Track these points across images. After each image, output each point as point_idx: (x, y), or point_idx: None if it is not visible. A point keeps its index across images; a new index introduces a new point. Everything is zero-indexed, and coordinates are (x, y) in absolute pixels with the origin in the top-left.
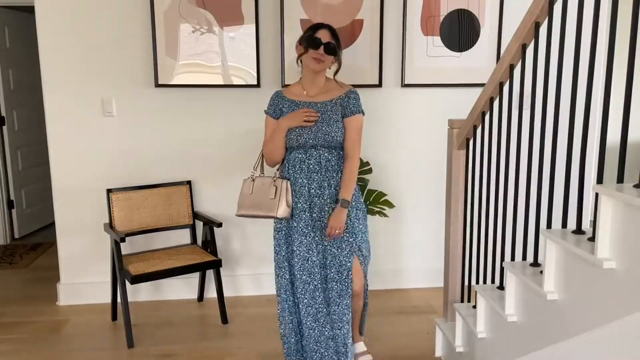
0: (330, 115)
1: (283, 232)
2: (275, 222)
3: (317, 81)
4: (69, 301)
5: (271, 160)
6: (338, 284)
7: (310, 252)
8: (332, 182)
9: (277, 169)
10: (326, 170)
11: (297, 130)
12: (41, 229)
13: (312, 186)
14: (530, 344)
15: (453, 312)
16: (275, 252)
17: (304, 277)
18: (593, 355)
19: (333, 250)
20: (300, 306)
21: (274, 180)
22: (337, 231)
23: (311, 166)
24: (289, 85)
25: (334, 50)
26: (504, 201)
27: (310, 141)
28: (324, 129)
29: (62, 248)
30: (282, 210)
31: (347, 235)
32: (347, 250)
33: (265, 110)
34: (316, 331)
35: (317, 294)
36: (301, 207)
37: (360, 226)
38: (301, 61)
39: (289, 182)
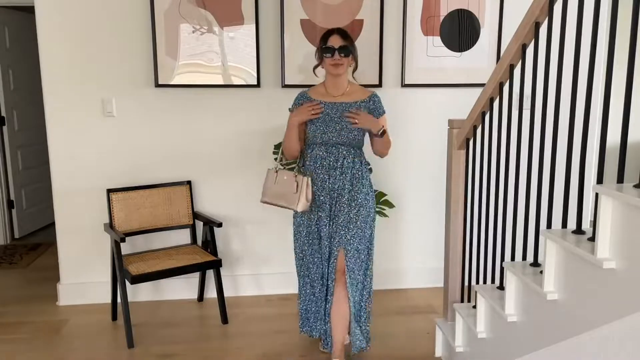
0: None
1: (304, 227)
2: (296, 217)
3: (340, 84)
4: (69, 301)
5: (289, 154)
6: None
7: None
8: (347, 178)
9: (297, 163)
10: (343, 167)
11: (322, 128)
12: (41, 229)
13: (331, 181)
14: (530, 344)
15: (453, 312)
16: (298, 251)
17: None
18: (593, 355)
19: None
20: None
21: (295, 176)
22: (354, 118)
23: (331, 163)
24: (313, 85)
25: (348, 51)
26: (504, 201)
27: (334, 139)
28: (348, 127)
29: (62, 248)
30: (302, 205)
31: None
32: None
33: (289, 109)
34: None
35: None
36: (323, 199)
37: (367, 224)
38: (316, 69)
39: (309, 179)
